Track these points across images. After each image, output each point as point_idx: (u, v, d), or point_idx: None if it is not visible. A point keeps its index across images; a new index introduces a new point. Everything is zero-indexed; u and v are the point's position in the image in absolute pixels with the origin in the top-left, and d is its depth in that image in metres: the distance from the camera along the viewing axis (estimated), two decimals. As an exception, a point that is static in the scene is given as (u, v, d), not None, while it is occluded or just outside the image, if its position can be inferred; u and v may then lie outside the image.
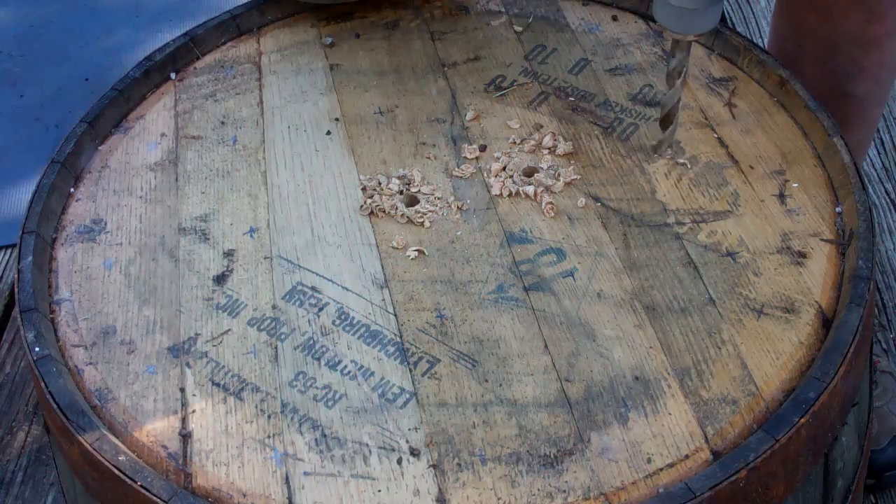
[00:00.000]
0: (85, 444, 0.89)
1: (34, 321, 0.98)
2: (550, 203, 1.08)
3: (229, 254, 1.06)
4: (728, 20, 2.30)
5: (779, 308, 0.98)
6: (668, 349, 0.96)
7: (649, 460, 0.88)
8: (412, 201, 1.10)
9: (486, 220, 1.08)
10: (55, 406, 0.92)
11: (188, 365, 0.97)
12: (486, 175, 1.12)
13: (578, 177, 1.11)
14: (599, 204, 1.09)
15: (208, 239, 1.08)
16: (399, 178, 1.12)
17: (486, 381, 0.94)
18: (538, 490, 0.86)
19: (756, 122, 1.16)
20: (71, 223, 1.11)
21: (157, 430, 0.92)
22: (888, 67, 1.38)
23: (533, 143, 1.15)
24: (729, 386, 0.93)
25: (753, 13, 2.32)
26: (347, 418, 0.92)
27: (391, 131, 1.18)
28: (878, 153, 1.96)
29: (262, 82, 1.25)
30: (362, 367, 0.96)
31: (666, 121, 1.12)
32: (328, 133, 1.18)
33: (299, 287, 1.03)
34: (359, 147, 1.16)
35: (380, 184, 1.11)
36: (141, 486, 0.86)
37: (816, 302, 0.99)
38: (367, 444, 0.90)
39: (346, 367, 0.96)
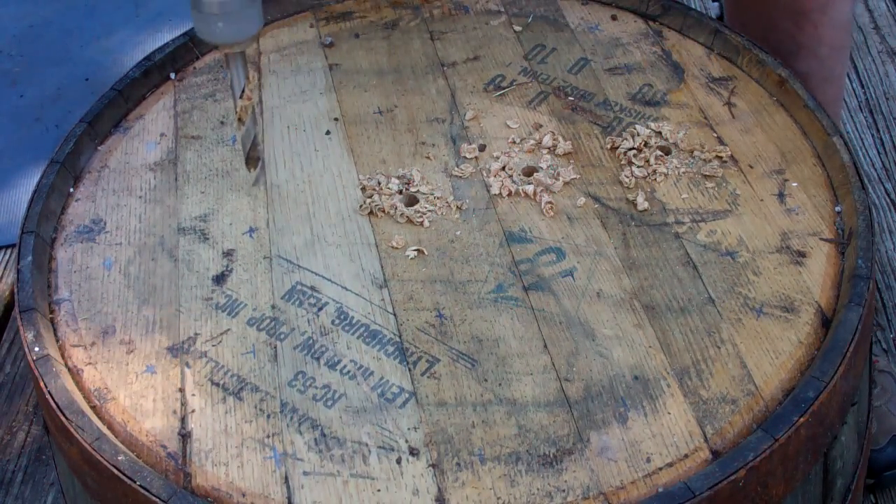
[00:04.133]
0: (84, 443, 0.89)
1: (33, 321, 0.98)
2: (550, 202, 1.08)
3: (229, 253, 1.06)
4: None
5: (778, 307, 0.98)
6: (668, 348, 0.96)
7: (648, 460, 0.88)
8: (411, 201, 1.10)
9: (485, 219, 1.08)
10: (54, 406, 0.92)
11: (187, 365, 0.97)
12: (485, 174, 1.12)
13: (578, 176, 1.11)
14: (598, 203, 1.08)
15: (208, 239, 1.08)
16: (398, 177, 1.12)
17: (486, 380, 0.94)
18: (537, 490, 0.86)
19: (755, 121, 1.16)
20: (70, 223, 1.11)
21: (157, 429, 0.92)
22: (827, 44, 1.36)
23: (532, 142, 1.15)
24: (728, 385, 0.93)
25: (753, 13, 2.31)
26: (347, 418, 0.92)
27: (390, 131, 1.18)
28: (878, 153, 1.96)
29: (262, 82, 1.25)
30: (362, 366, 0.96)
31: (253, 160, 1.09)
32: (327, 133, 1.18)
33: (299, 287, 1.03)
34: (358, 147, 1.16)
35: (379, 183, 1.11)
36: (140, 485, 0.86)
37: (816, 301, 0.99)
38: (367, 444, 0.90)
39: (345, 366, 0.96)
